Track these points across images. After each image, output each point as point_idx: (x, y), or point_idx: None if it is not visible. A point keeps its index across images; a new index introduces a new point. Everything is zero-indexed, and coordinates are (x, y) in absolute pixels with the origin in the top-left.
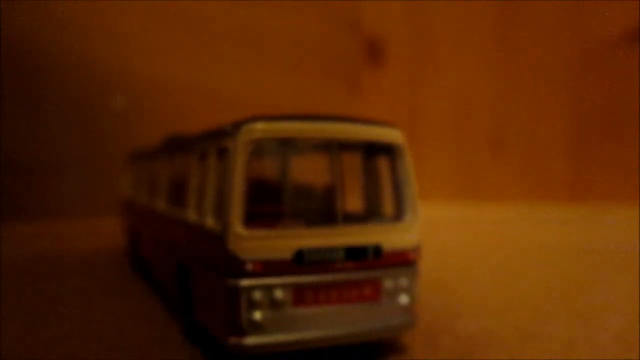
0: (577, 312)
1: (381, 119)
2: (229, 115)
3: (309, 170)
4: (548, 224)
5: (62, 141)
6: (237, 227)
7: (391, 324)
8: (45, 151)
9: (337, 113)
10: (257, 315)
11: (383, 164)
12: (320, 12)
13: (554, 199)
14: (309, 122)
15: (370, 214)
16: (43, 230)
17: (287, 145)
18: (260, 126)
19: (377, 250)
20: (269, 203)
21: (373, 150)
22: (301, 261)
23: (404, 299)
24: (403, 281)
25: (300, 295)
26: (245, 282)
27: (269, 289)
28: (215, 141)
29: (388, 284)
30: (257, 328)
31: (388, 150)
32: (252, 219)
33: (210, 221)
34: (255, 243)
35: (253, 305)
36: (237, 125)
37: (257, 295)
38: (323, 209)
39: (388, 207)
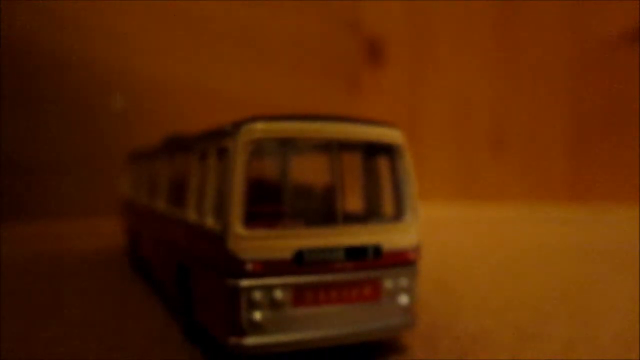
0: (577, 312)
1: (381, 119)
2: (229, 115)
3: (309, 170)
4: (548, 224)
5: (62, 141)
6: (237, 227)
7: (391, 324)
8: (45, 151)
9: (337, 113)
10: (257, 315)
11: (383, 164)
12: (320, 12)
13: (554, 199)
14: (309, 122)
15: (370, 214)
16: (43, 230)
17: (287, 145)
18: (260, 126)
19: (377, 250)
20: (269, 203)
21: (373, 151)
22: (301, 261)
23: (403, 299)
24: (403, 281)
25: (300, 295)
26: (245, 282)
27: (269, 289)
28: (215, 141)
29: (388, 284)
30: (257, 328)
31: (388, 150)
32: (252, 219)
33: (210, 221)
34: (255, 243)
35: (253, 305)
36: (237, 125)
37: (257, 295)
38: (323, 209)
39: (388, 207)
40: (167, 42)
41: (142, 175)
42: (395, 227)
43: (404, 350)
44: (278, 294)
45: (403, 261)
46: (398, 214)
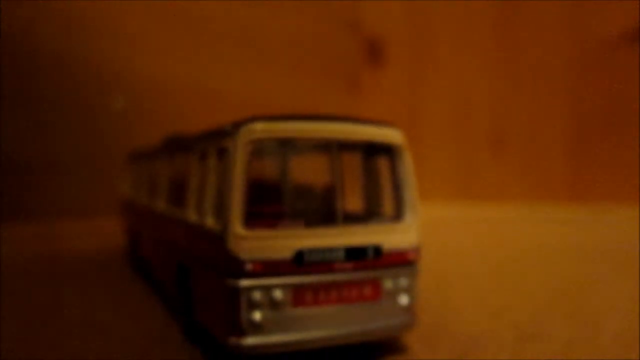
0: (577, 312)
1: (381, 119)
2: (229, 115)
3: (309, 170)
4: (548, 224)
5: (62, 141)
6: (237, 227)
7: (391, 324)
8: (45, 151)
9: (337, 113)
10: (257, 315)
11: (383, 164)
12: (320, 12)
13: (554, 199)
14: (309, 122)
15: (370, 214)
16: (43, 230)
17: (287, 145)
18: (260, 126)
19: (377, 250)
20: (268, 203)
21: (373, 151)
22: (301, 261)
23: (403, 299)
24: (403, 281)
25: (300, 295)
26: (245, 282)
27: (268, 289)
28: (215, 141)
29: (388, 284)
30: (257, 328)
31: (388, 150)
32: (252, 219)
33: (210, 221)
34: (255, 243)
35: (253, 305)
36: (237, 125)
37: (257, 295)
38: (323, 209)
39: (388, 207)
40: (167, 42)
41: (142, 175)
42: (395, 227)
43: (404, 350)
44: (278, 294)
45: (403, 261)
46: (398, 214)
